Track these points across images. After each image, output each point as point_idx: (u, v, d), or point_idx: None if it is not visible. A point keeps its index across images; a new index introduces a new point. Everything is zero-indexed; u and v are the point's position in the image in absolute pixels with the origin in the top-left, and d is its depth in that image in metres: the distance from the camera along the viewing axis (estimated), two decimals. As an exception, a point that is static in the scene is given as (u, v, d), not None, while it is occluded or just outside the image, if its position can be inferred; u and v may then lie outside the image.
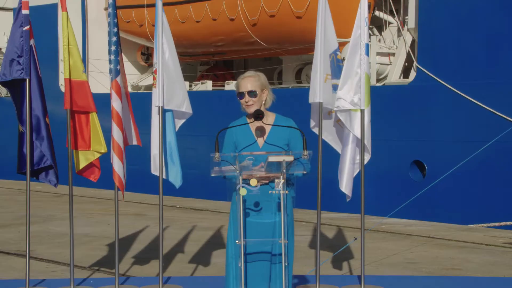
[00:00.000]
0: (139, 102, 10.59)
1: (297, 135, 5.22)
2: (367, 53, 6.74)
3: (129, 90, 6.97)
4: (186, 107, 6.74)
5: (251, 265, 5.03)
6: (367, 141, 6.80)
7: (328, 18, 6.68)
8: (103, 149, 6.72)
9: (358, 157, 6.84)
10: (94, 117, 6.70)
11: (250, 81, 5.21)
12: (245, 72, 5.41)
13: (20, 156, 6.68)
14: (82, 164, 6.71)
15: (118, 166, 6.55)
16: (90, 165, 6.77)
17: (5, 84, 6.65)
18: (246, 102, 5.19)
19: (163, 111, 6.63)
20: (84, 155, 6.71)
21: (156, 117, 6.65)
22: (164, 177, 6.69)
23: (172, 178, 6.72)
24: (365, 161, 6.82)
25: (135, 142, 6.94)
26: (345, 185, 6.76)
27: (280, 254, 4.94)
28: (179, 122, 6.83)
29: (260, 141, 5.20)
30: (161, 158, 6.62)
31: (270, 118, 5.23)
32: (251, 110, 5.17)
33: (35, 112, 6.63)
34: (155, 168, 6.71)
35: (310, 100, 6.64)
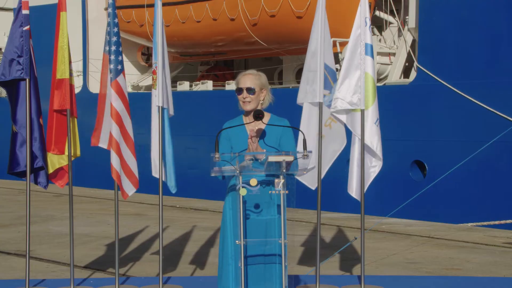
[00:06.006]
0: (139, 102, 10.61)
1: (289, 134, 5.20)
2: (371, 54, 6.68)
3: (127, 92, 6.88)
4: (170, 108, 6.76)
5: (251, 265, 5.02)
6: (377, 149, 6.75)
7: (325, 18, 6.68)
8: (76, 154, 6.71)
9: (370, 163, 6.79)
10: (74, 122, 6.67)
11: (250, 78, 5.19)
12: (247, 70, 5.39)
13: (12, 157, 6.64)
14: (53, 168, 6.69)
15: (116, 163, 6.54)
16: (59, 169, 6.74)
17: (2, 84, 6.63)
18: (244, 98, 5.16)
19: (162, 111, 6.63)
20: (57, 159, 6.68)
21: (155, 118, 6.66)
22: (163, 179, 6.69)
23: (169, 182, 6.73)
24: (377, 169, 6.79)
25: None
26: (355, 189, 6.75)
27: (279, 254, 4.93)
28: None
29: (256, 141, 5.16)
30: (161, 158, 6.61)
31: (265, 118, 5.19)
32: (247, 107, 5.15)
33: (30, 112, 6.62)
34: (156, 170, 6.70)
35: (310, 100, 6.67)
